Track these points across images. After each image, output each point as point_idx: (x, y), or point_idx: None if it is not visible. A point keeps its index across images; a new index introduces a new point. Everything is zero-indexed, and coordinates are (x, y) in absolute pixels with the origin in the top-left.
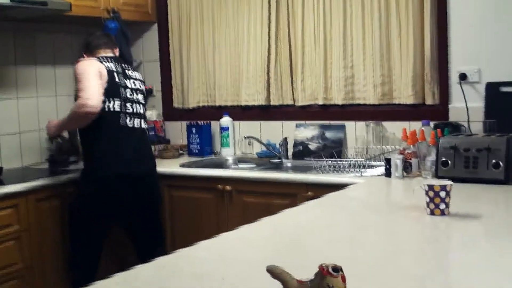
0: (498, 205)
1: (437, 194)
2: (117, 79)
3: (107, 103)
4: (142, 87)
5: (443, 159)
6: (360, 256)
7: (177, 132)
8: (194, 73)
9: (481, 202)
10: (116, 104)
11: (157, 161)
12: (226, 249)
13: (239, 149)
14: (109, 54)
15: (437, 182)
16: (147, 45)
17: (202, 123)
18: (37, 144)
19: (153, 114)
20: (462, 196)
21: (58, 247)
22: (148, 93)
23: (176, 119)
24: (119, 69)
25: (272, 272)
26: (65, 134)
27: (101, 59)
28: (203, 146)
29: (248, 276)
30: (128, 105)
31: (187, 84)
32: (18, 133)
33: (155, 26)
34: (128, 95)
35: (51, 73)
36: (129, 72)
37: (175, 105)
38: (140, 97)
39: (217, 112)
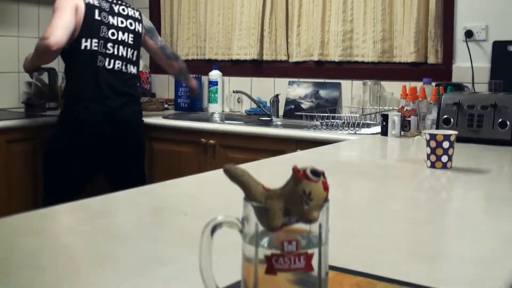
0: (503, 163)
1: (439, 144)
2: (97, 16)
3: (83, 41)
4: (137, 27)
5: (445, 116)
6: (351, 200)
7: (163, 85)
8: (185, 23)
9: (486, 160)
10: (93, 44)
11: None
12: (195, 187)
13: (227, 106)
14: None
15: (440, 132)
16: None
17: (192, 75)
18: (15, 87)
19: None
20: (465, 155)
21: (28, 195)
22: (150, 32)
23: (164, 72)
24: (105, 4)
25: (231, 174)
26: (45, 78)
27: None
28: (192, 100)
29: (213, 212)
30: (109, 45)
31: (176, 34)
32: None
33: None
34: (110, 35)
35: (35, 12)
36: (118, 8)
37: None
38: (127, 37)
39: (206, 65)
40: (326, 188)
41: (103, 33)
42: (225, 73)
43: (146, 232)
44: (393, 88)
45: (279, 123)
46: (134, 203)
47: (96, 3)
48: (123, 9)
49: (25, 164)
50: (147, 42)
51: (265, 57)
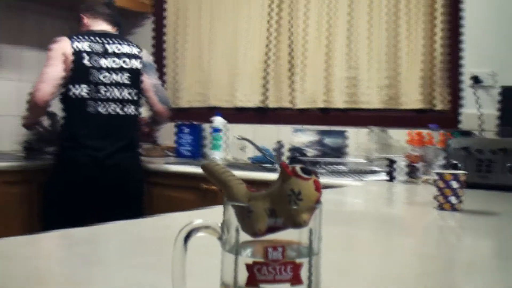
0: None
1: (448, 184)
2: (86, 61)
3: (72, 88)
4: (134, 63)
5: (453, 161)
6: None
7: (167, 133)
8: (188, 70)
9: (496, 204)
10: (83, 90)
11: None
12: (186, 220)
13: (230, 154)
14: (108, 27)
15: (449, 171)
16: (141, 39)
17: (194, 122)
18: (15, 130)
19: (141, 113)
20: (474, 199)
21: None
22: (146, 67)
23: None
24: (97, 46)
25: (210, 170)
26: (46, 123)
27: (76, 38)
28: (194, 148)
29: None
30: (101, 89)
31: (180, 81)
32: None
33: (150, 19)
34: (102, 78)
35: (37, 57)
36: (112, 48)
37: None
38: (121, 77)
39: (210, 113)
40: (318, 188)
41: (93, 77)
42: (229, 120)
43: (127, 260)
44: (399, 136)
45: None
46: (120, 232)
47: (86, 47)
48: (118, 48)
49: (21, 206)
50: (142, 77)
51: (269, 104)
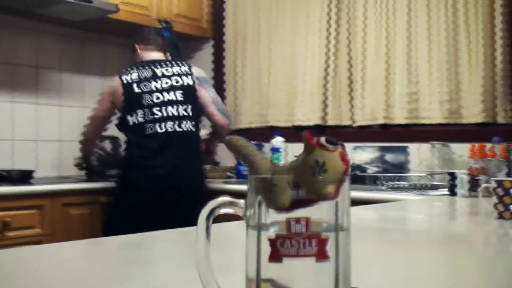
0: None
1: (507, 192)
2: (136, 89)
3: (129, 117)
4: (186, 80)
5: None
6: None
7: (227, 153)
8: (248, 92)
9: None
10: (139, 116)
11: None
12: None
13: None
14: (159, 55)
15: (508, 178)
16: (201, 62)
17: (255, 143)
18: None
19: (203, 134)
20: None
21: None
22: (202, 81)
23: None
24: (146, 73)
25: (233, 146)
26: (108, 147)
27: (125, 72)
28: None
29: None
30: (156, 110)
31: (240, 103)
32: (58, 141)
33: (210, 43)
34: (154, 100)
35: (99, 83)
36: (162, 71)
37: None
38: (174, 95)
39: (269, 133)
40: (345, 160)
41: (146, 101)
42: (288, 139)
43: (167, 261)
44: (462, 150)
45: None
46: (169, 239)
47: (135, 77)
48: (167, 70)
49: (84, 227)
50: (198, 92)
51: (328, 123)
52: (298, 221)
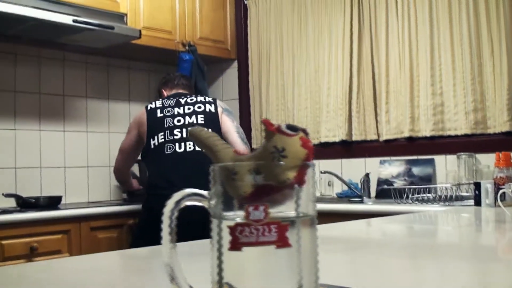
0: None
1: None
2: (159, 114)
3: (151, 141)
4: (208, 107)
5: None
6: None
7: None
8: (273, 111)
9: None
10: (160, 138)
11: None
12: None
13: (318, 190)
14: (184, 92)
15: None
16: (227, 83)
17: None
18: (106, 180)
19: None
20: None
21: None
22: (227, 111)
23: None
24: (170, 102)
25: (196, 136)
26: (137, 171)
27: (151, 103)
28: None
29: None
30: (176, 131)
31: None
32: (86, 167)
33: (235, 64)
34: (176, 122)
35: (125, 108)
36: (186, 99)
37: (255, 146)
38: (196, 119)
39: None
40: (306, 145)
41: (168, 124)
42: (315, 156)
43: None
44: (489, 161)
45: (370, 203)
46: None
47: (159, 104)
48: (191, 99)
49: (110, 251)
50: (223, 119)
51: (354, 138)
52: (256, 207)
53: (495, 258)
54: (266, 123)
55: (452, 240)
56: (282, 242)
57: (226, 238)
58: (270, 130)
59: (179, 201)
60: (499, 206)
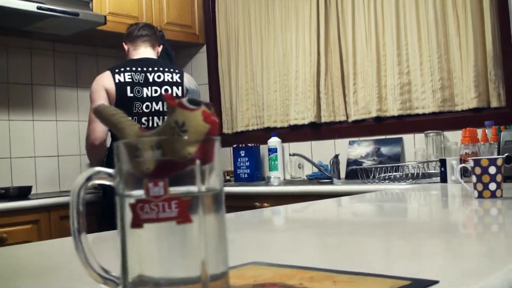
0: None
1: (485, 170)
2: (129, 93)
3: None
4: (175, 91)
5: (506, 154)
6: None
7: (226, 158)
8: (243, 95)
9: None
10: None
11: None
12: None
13: (288, 173)
14: (148, 50)
15: (485, 157)
16: (196, 69)
17: (250, 145)
18: (77, 169)
19: None
20: None
21: None
22: (190, 93)
23: (226, 145)
24: (139, 76)
25: (102, 114)
26: None
27: (117, 71)
28: (252, 170)
29: None
30: (143, 119)
31: (236, 107)
32: (56, 156)
33: (204, 48)
34: (144, 109)
35: None
36: (153, 76)
37: (225, 130)
38: (161, 106)
39: (266, 134)
40: (208, 120)
41: (137, 109)
42: (284, 139)
43: None
44: (456, 138)
45: (339, 184)
46: None
47: (128, 78)
48: (159, 76)
49: None
50: None
51: (323, 119)
52: (156, 183)
53: (456, 232)
54: (167, 98)
55: (411, 216)
56: (182, 218)
57: (129, 216)
58: (171, 105)
59: (87, 180)
60: (465, 182)
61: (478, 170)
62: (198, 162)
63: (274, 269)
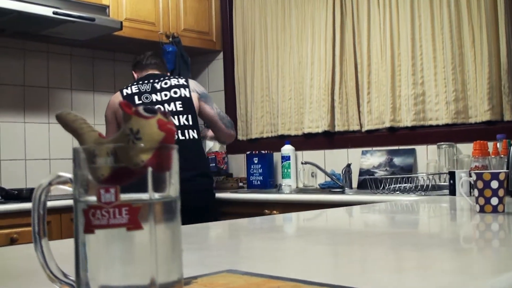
0: None
1: (487, 184)
2: (137, 101)
3: None
4: (183, 92)
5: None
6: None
7: (240, 165)
8: (258, 102)
9: None
10: None
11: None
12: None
13: (301, 181)
14: (156, 73)
15: (488, 171)
16: (212, 75)
17: (264, 152)
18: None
19: (215, 146)
20: None
21: None
22: (204, 97)
23: (240, 152)
24: (145, 86)
25: (63, 120)
26: None
27: (126, 88)
28: (265, 177)
29: None
30: None
31: (250, 114)
32: (71, 159)
33: (220, 55)
34: None
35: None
36: (160, 84)
37: (240, 137)
38: (174, 106)
39: (279, 142)
40: (163, 128)
41: None
42: (298, 147)
43: None
44: (469, 150)
45: (350, 194)
46: None
47: (135, 90)
48: (166, 83)
49: None
50: (203, 108)
51: (336, 128)
52: (107, 190)
53: (442, 247)
54: (123, 105)
55: (402, 228)
56: (133, 225)
57: (82, 221)
58: (126, 112)
59: (48, 184)
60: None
61: (480, 184)
62: (150, 169)
63: (246, 277)
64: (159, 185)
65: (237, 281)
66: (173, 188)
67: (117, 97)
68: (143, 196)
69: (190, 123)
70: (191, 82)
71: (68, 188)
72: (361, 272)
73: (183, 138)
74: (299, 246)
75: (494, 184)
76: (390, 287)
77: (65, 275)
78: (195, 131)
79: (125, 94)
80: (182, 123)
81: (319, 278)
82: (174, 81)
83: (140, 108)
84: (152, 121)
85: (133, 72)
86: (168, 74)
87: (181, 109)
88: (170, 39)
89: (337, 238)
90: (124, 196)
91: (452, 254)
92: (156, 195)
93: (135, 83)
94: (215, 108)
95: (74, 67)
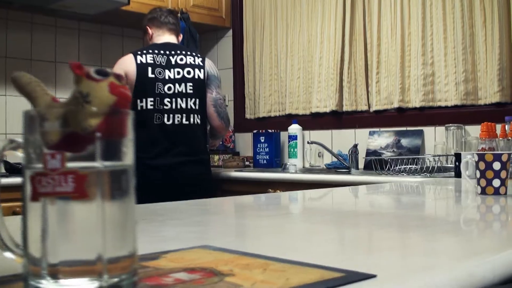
0: None
1: (489, 166)
2: (150, 74)
3: (138, 102)
4: (197, 73)
5: None
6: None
7: (247, 143)
8: (267, 81)
9: None
10: (149, 103)
11: (220, 170)
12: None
13: (307, 161)
14: (173, 38)
15: (490, 152)
16: (221, 53)
17: (271, 131)
18: None
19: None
20: None
21: None
22: (208, 79)
23: (247, 131)
24: (161, 58)
25: (17, 82)
26: None
27: (139, 53)
28: (271, 157)
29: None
30: (166, 101)
31: (259, 92)
32: None
33: (230, 32)
34: (166, 90)
35: None
36: (176, 59)
37: (247, 116)
38: (185, 88)
39: (287, 121)
40: (115, 91)
41: (159, 89)
42: (305, 127)
43: None
44: (478, 132)
45: (356, 174)
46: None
47: (150, 60)
48: (181, 59)
49: None
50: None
51: (344, 108)
52: (53, 155)
53: (429, 228)
54: (73, 66)
55: (396, 209)
56: (78, 193)
57: (29, 188)
58: (77, 74)
59: (2, 149)
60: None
61: (482, 165)
62: (98, 135)
63: (217, 253)
64: (110, 153)
65: (206, 256)
66: (127, 158)
67: (130, 60)
68: (94, 164)
69: (197, 107)
70: (207, 63)
71: (20, 154)
72: (341, 251)
73: (187, 122)
74: (287, 224)
75: (496, 166)
76: (366, 265)
77: (16, 244)
78: (199, 116)
79: (139, 62)
80: (189, 107)
81: (298, 256)
82: (190, 59)
83: (92, 70)
84: (103, 84)
85: (147, 28)
86: (184, 47)
87: (191, 91)
88: (179, 14)
89: (330, 217)
90: (75, 165)
91: (447, 235)
92: (106, 164)
93: (150, 51)
94: (215, 93)
95: (82, 42)
